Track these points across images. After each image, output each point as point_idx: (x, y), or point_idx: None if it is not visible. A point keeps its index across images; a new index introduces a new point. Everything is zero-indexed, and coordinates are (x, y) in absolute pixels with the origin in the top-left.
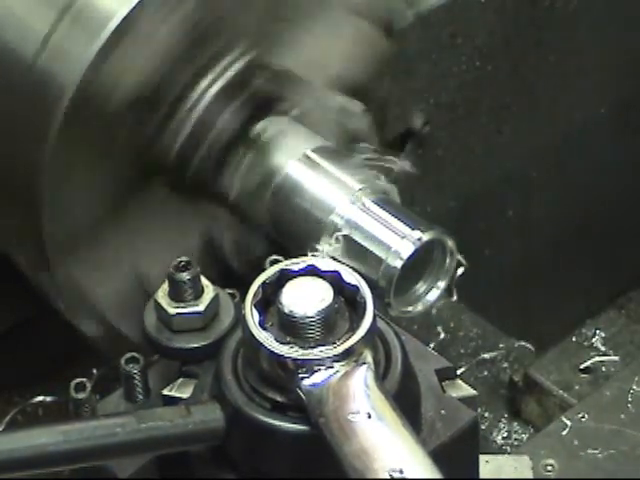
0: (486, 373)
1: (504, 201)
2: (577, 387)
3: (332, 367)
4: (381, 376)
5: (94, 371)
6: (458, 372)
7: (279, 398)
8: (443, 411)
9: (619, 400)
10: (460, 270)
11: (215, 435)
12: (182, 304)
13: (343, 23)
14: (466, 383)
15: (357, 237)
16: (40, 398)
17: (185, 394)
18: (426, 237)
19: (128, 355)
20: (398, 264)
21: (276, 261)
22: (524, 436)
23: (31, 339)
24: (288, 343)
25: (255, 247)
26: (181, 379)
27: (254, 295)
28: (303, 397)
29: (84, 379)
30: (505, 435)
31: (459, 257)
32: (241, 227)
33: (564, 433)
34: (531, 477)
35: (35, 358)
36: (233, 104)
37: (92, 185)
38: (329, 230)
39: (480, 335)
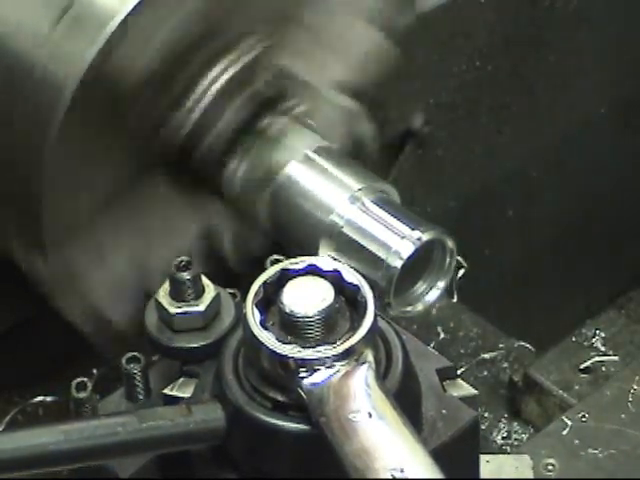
0: (486, 373)
1: (504, 201)
2: (577, 387)
3: (333, 366)
4: (382, 375)
5: (94, 371)
6: (458, 372)
7: (280, 397)
8: (444, 410)
9: (619, 400)
10: (461, 272)
11: (216, 435)
12: (183, 304)
13: (351, 27)
14: (466, 383)
15: (357, 237)
16: (40, 398)
17: (186, 393)
18: (426, 237)
19: (129, 355)
20: (398, 264)
21: (277, 261)
22: (524, 436)
23: (31, 339)
24: (289, 343)
25: (254, 245)
26: (182, 379)
27: (255, 294)
28: (304, 396)
29: (85, 379)
30: (505, 435)
31: (460, 259)
32: (241, 224)
33: (565, 433)
34: (532, 477)
35: (35, 358)
36: (236, 100)
37: (94, 173)
38: (329, 230)
39: (480, 335)
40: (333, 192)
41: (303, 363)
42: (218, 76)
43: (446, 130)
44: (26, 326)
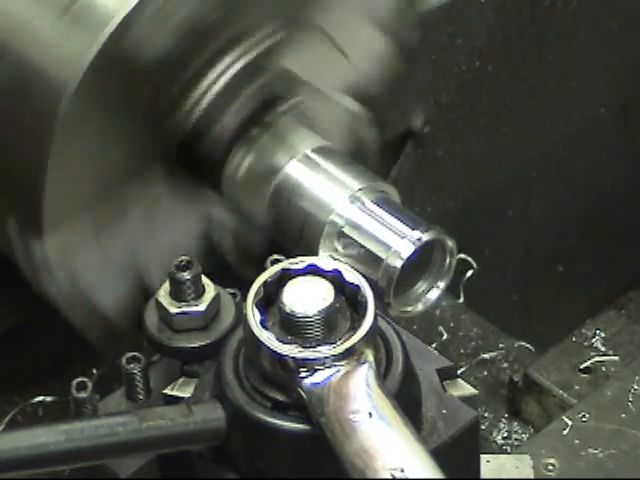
0: (486, 373)
1: (504, 201)
2: (577, 387)
3: (333, 366)
4: (382, 375)
5: (94, 371)
6: (458, 372)
7: (280, 397)
8: (444, 410)
9: (620, 399)
10: (469, 272)
11: (216, 434)
12: (183, 303)
13: (358, 30)
14: (466, 383)
15: (357, 237)
16: (40, 398)
17: (186, 393)
18: (426, 237)
19: (129, 354)
20: (398, 264)
21: (277, 261)
22: (524, 436)
23: (31, 339)
24: (289, 342)
25: (254, 245)
26: (182, 378)
27: (255, 294)
28: (304, 396)
29: (85, 378)
30: (505, 435)
31: (469, 259)
32: (241, 223)
33: (565, 432)
34: (532, 476)
35: (35, 358)
36: (242, 94)
37: (97, 158)
38: (329, 230)
39: (480, 335)
40: (333, 192)
41: (303, 363)
42: (227, 68)
43: (446, 130)
44: (26, 326)
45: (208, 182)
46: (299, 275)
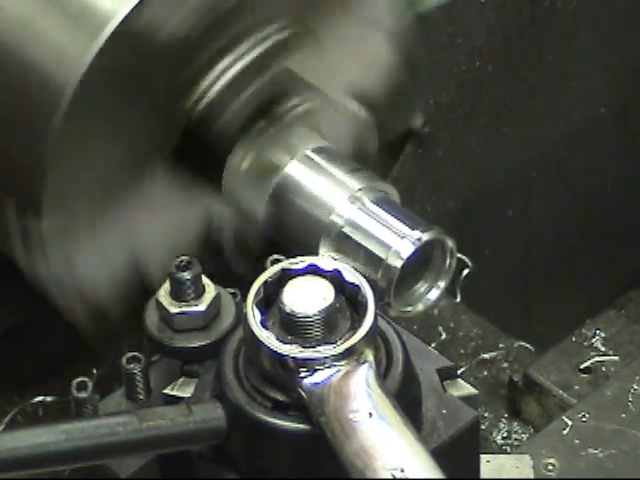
0: (486, 373)
1: (504, 201)
2: (577, 387)
3: (333, 366)
4: (382, 375)
5: (94, 371)
6: (458, 372)
7: (280, 397)
8: (444, 410)
9: (620, 399)
10: (465, 272)
11: (216, 434)
12: (183, 303)
13: (369, 39)
14: (466, 383)
15: (357, 237)
16: (40, 398)
17: (186, 393)
18: (426, 237)
19: (129, 354)
20: (398, 264)
21: (277, 261)
22: (524, 436)
23: (31, 339)
24: (289, 342)
25: (254, 244)
26: (182, 378)
27: (255, 294)
28: (304, 396)
29: (85, 378)
30: (505, 435)
31: (465, 258)
32: (241, 222)
33: (565, 432)
34: (532, 476)
35: (35, 358)
36: (248, 89)
37: (98, 152)
38: (329, 230)
39: (480, 335)
40: (333, 192)
41: (303, 363)
42: (236, 60)
43: (446, 130)
44: (26, 326)
45: (209, 178)
46: (299, 275)
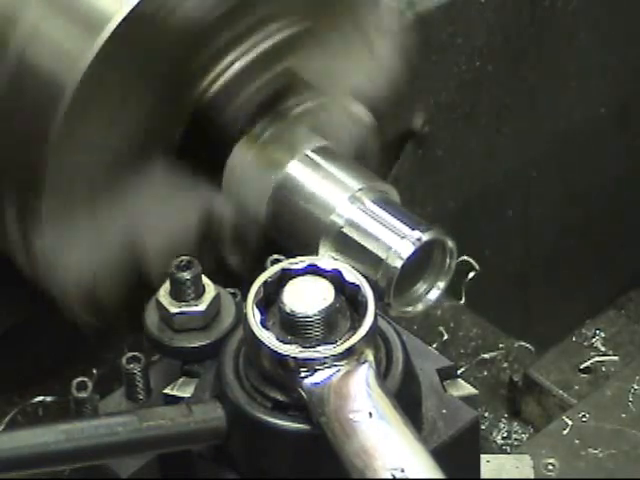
0: (486, 373)
1: (504, 201)
2: (577, 387)
3: (333, 366)
4: (382, 375)
5: (94, 371)
6: (458, 372)
7: (280, 397)
8: (444, 410)
9: (620, 399)
10: (471, 274)
11: (216, 434)
12: (183, 303)
13: (377, 45)
14: (466, 383)
15: (357, 237)
16: (40, 398)
17: (186, 393)
18: (426, 237)
19: (129, 354)
20: (398, 264)
21: (277, 261)
22: (524, 436)
23: (31, 339)
24: (289, 342)
25: (254, 244)
26: (182, 378)
27: (255, 294)
28: (304, 396)
29: (85, 378)
30: (505, 435)
31: (471, 261)
32: (240, 222)
33: (565, 432)
34: (532, 476)
35: (35, 358)
36: (254, 83)
37: (98, 147)
38: (329, 230)
39: (480, 335)
40: (333, 192)
41: (303, 363)
42: (246, 51)
43: (446, 130)
44: (26, 326)
45: (209, 175)
46: (299, 275)
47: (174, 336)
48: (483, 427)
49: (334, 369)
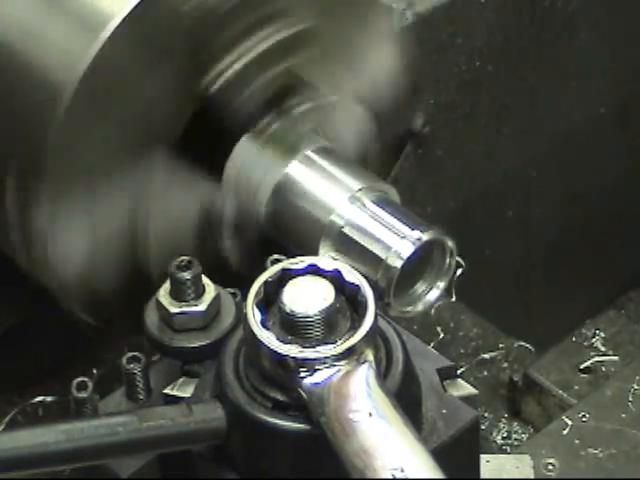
0: (486, 373)
1: (504, 201)
2: (577, 387)
3: (333, 366)
4: (382, 375)
5: (94, 371)
6: (458, 372)
7: (280, 397)
8: (444, 410)
9: (620, 399)
10: (459, 271)
11: (216, 434)
12: (183, 303)
13: (384, 51)
14: (466, 383)
15: (357, 237)
16: (40, 398)
17: (186, 393)
18: (426, 237)
19: (129, 354)
20: (398, 264)
21: (277, 261)
22: (524, 436)
23: (31, 339)
24: (289, 342)
25: (254, 244)
26: (182, 378)
27: (255, 294)
28: (304, 396)
29: (85, 378)
30: (505, 435)
31: (458, 258)
32: (240, 221)
33: (565, 432)
34: (532, 476)
35: (35, 358)
36: (260, 79)
37: (98, 144)
38: (329, 230)
39: (480, 335)
40: (333, 192)
41: (303, 363)
42: (243, 53)
43: (446, 130)
44: (26, 326)
45: (209, 172)
46: (299, 275)
47: (174, 336)
48: (483, 427)
49: (334, 369)
